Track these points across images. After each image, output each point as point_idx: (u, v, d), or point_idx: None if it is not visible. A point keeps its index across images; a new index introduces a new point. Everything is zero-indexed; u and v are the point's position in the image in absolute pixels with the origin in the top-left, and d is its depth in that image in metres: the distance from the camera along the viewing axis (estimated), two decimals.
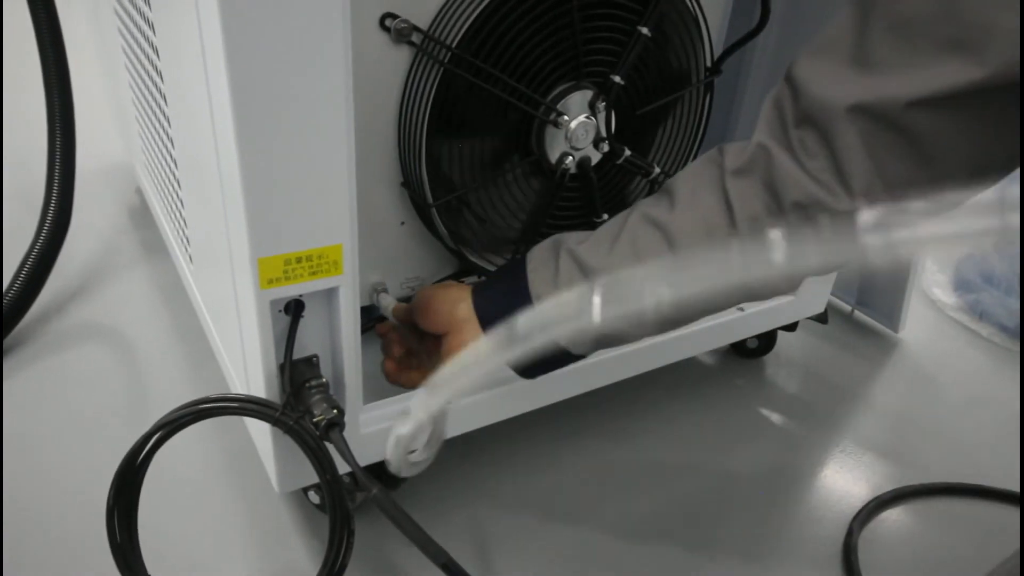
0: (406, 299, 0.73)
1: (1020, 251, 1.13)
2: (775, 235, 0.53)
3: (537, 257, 0.61)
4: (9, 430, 0.82)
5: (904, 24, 0.45)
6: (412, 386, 0.67)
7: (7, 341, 0.94)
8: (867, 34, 0.47)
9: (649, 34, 0.68)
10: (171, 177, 0.80)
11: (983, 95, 0.44)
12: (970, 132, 0.46)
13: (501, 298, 0.61)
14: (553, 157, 0.70)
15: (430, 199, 0.67)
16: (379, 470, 0.69)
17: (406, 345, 0.68)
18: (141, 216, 1.25)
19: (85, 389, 0.89)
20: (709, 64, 0.76)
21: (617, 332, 0.59)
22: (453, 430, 0.69)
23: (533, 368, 0.64)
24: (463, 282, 0.68)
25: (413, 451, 0.56)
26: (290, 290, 0.52)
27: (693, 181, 0.56)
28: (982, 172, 0.49)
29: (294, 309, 0.55)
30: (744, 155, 0.52)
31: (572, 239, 0.60)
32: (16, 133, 1.44)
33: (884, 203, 0.48)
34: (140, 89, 0.86)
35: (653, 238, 0.55)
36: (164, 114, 0.74)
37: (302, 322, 0.56)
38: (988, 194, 0.54)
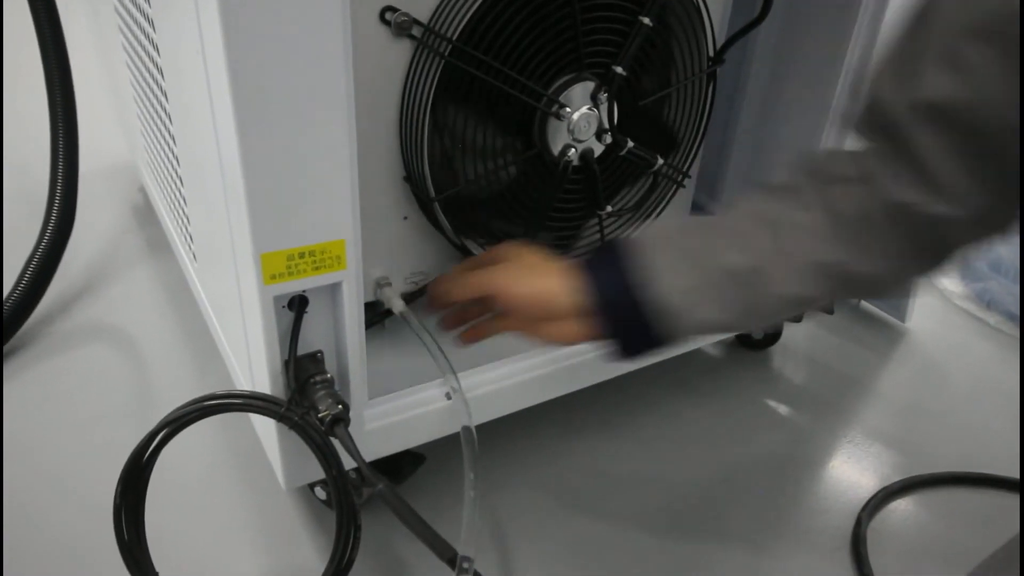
0: (409, 295, 0.73)
1: (1020, 248, 1.12)
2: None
3: (647, 246, 0.57)
4: (15, 430, 0.82)
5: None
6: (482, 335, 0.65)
7: (12, 341, 0.94)
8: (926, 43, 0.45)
9: (651, 24, 0.67)
10: (173, 174, 0.80)
11: None
12: None
13: (613, 286, 0.57)
14: (556, 149, 0.69)
15: (432, 193, 0.67)
16: (385, 465, 0.69)
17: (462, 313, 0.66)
18: (145, 215, 1.25)
19: (90, 388, 0.89)
20: (711, 54, 0.76)
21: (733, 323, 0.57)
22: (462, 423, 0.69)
23: (632, 346, 0.59)
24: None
25: None
26: (293, 286, 0.52)
27: (808, 179, 0.54)
28: None
29: (298, 305, 0.55)
30: (844, 164, 0.52)
31: (682, 231, 0.57)
32: (18, 133, 1.44)
33: (978, 199, 0.47)
34: (141, 86, 0.86)
35: (771, 236, 0.54)
36: (165, 111, 0.74)
37: (306, 318, 0.55)
38: None
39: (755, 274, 0.54)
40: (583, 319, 0.58)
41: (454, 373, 0.66)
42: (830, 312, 0.99)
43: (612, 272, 0.58)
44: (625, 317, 0.58)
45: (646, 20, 0.67)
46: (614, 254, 0.58)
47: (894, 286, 0.55)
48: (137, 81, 0.88)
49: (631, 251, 0.57)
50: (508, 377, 0.70)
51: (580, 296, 0.58)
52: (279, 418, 0.54)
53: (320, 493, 0.72)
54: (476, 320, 0.66)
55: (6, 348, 0.93)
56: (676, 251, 0.56)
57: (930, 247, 0.51)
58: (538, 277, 0.60)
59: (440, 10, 0.61)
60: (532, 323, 0.61)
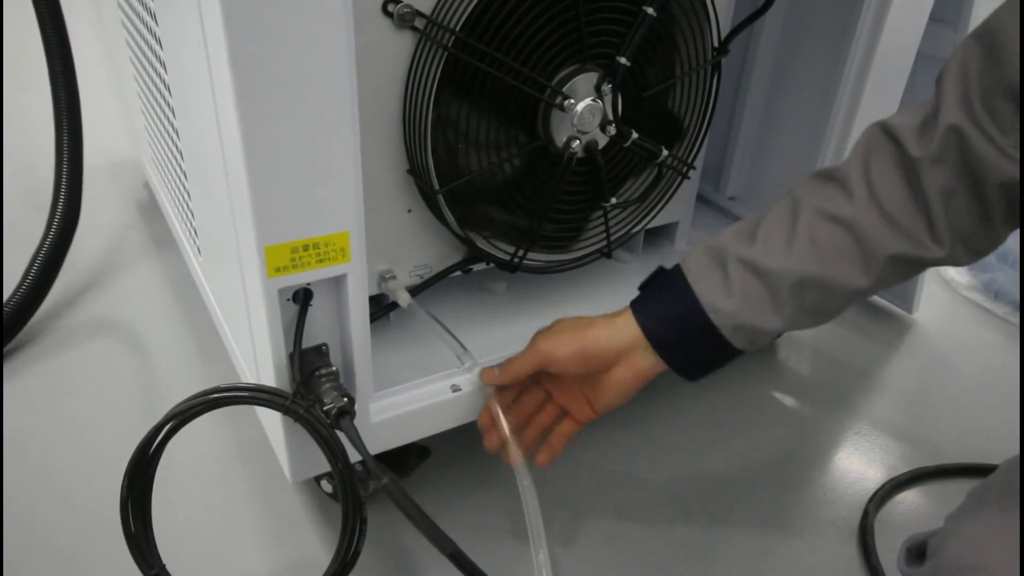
0: (414, 288, 0.73)
1: (1020, 242, 1.11)
2: None
3: (696, 267, 0.58)
4: (21, 424, 0.82)
5: None
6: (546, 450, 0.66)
7: (19, 336, 0.94)
8: None
9: (654, 14, 0.67)
10: (178, 169, 0.80)
11: None
12: None
13: (670, 316, 0.58)
14: (559, 141, 0.69)
15: (436, 186, 0.67)
16: (391, 458, 0.69)
17: (522, 411, 0.66)
18: (149, 210, 1.25)
19: (96, 383, 0.89)
20: (716, 44, 0.76)
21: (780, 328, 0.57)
22: (468, 415, 0.69)
23: (696, 369, 0.61)
24: (579, 318, 0.63)
25: None
26: (298, 278, 0.52)
27: (866, 169, 0.53)
28: None
29: (302, 297, 0.55)
30: (933, 140, 0.49)
31: (731, 244, 0.56)
32: (23, 131, 1.45)
33: None
34: (144, 81, 0.86)
35: (836, 234, 0.53)
36: (169, 105, 0.74)
37: (311, 311, 0.55)
38: None
39: (823, 278, 0.53)
40: (641, 355, 0.59)
41: (473, 358, 0.66)
42: None
43: (665, 308, 0.58)
44: (685, 350, 0.58)
45: (649, 10, 0.66)
46: (665, 287, 0.58)
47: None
48: (140, 76, 0.88)
49: (682, 280, 0.57)
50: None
51: (634, 332, 0.58)
52: (284, 411, 0.54)
53: (326, 486, 0.72)
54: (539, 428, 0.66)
55: (13, 343, 0.93)
56: (736, 269, 0.55)
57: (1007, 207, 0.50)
58: (579, 331, 0.60)
59: (443, 1, 0.61)
60: (591, 387, 0.61)
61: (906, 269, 0.54)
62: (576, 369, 0.60)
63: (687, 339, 0.58)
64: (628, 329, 0.59)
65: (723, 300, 0.55)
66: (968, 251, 0.53)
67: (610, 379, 0.60)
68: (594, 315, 0.62)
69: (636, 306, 0.60)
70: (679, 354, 0.59)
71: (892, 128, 0.52)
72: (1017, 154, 0.47)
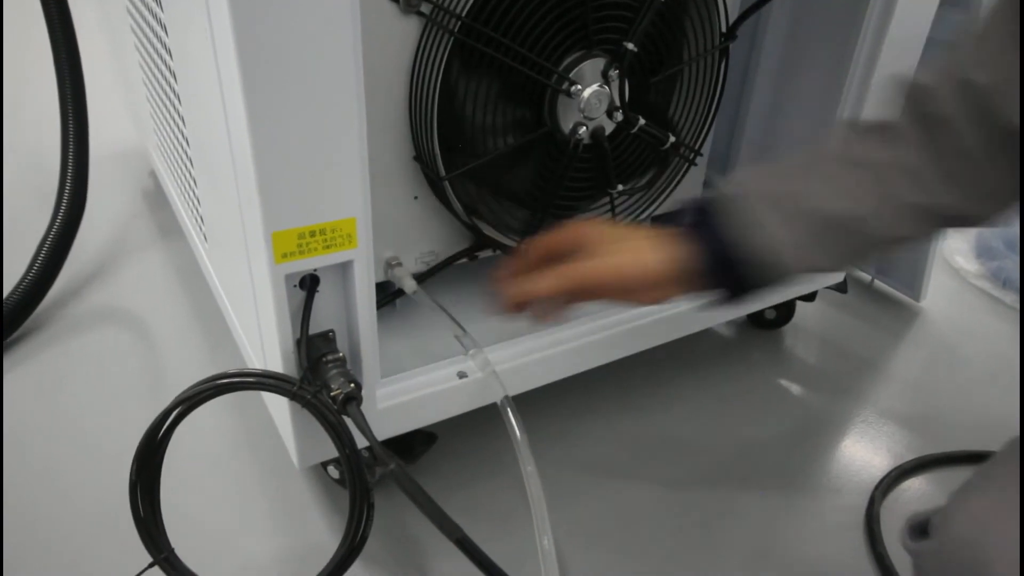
0: (420, 275, 0.73)
1: (1020, 245, 1.10)
2: None
3: (754, 206, 0.55)
4: (26, 414, 0.83)
5: None
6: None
7: (26, 324, 0.95)
8: None
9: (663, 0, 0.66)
10: (184, 157, 0.80)
11: None
12: None
13: (728, 258, 0.55)
14: (566, 127, 0.69)
15: (442, 172, 0.66)
16: (397, 445, 0.69)
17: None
18: (155, 199, 1.25)
19: (104, 371, 0.90)
20: (724, 29, 0.75)
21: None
22: (474, 401, 0.69)
23: (745, 288, 0.57)
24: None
25: None
26: (305, 264, 0.52)
27: (925, 126, 0.52)
28: None
29: (309, 284, 0.55)
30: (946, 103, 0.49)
31: (791, 184, 0.55)
32: (27, 121, 1.45)
33: None
34: (150, 69, 0.86)
35: (897, 184, 0.52)
36: (175, 93, 0.73)
37: (317, 297, 0.55)
38: None
39: (860, 221, 0.53)
40: (683, 282, 0.56)
41: (480, 348, 0.65)
42: (843, 291, 0.98)
43: (713, 235, 0.56)
44: (732, 274, 0.56)
45: None
46: (711, 214, 0.56)
47: (998, 218, 0.54)
48: (146, 63, 0.88)
49: (729, 209, 0.55)
50: (526, 354, 0.70)
51: (680, 264, 0.56)
52: (292, 396, 0.54)
53: (333, 472, 0.73)
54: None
55: (18, 332, 0.94)
56: (775, 203, 0.54)
57: None
58: (627, 257, 0.57)
59: None
60: (623, 294, 0.58)
61: (953, 224, 0.54)
62: (620, 294, 0.58)
63: (732, 271, 0.55)
64: (680, 261, 0.56)
65: (770, 235, 0.54)
66: (997, 207, 0.53)
67: (651, 294, 0.57)
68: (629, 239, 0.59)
69: (682, 238, 0.56)
70: (720, 282, 0.57)
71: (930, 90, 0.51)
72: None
